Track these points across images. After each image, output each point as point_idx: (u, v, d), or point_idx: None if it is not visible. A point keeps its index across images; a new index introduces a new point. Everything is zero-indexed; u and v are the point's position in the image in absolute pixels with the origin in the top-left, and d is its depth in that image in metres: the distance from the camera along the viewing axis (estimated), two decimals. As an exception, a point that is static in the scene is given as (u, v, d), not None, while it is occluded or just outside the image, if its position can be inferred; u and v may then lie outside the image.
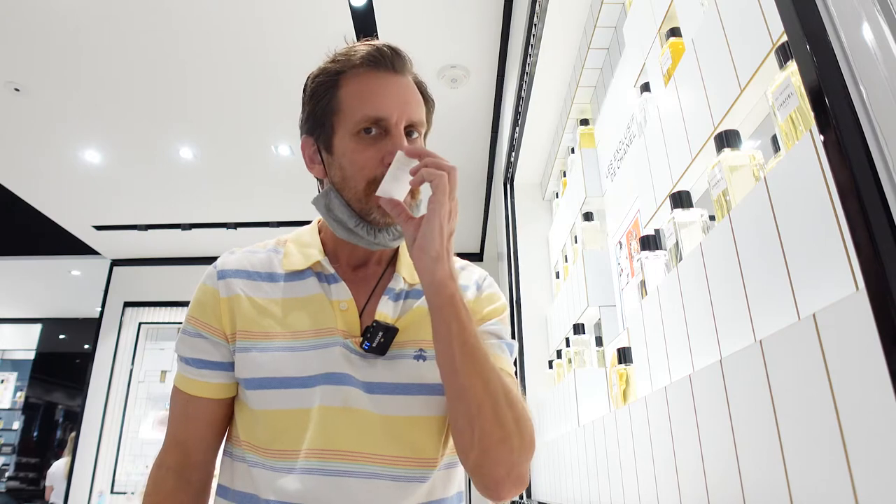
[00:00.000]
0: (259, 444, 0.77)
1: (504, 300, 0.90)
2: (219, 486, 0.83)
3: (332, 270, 0.83)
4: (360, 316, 0.81)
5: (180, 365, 0.84)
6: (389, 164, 0.75)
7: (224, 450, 0.85)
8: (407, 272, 0.86)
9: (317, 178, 0.87)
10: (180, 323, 5.35)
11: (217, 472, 0.86)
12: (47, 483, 5.37)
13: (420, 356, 0.80)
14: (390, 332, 0.78)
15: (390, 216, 0.76)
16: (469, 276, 0.90)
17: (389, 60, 0.79)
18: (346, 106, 0.78)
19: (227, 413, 0.84)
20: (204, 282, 0.85)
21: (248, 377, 0.79)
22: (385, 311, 0.81)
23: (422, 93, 0.84)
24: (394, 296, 0.83)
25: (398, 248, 0.88)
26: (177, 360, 0.85)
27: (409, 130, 0.79)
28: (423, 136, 0.84)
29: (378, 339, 0.77)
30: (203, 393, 0.82)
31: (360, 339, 0.78)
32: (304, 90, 0.84)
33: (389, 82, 0.79)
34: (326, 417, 0.75)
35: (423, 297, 0.82)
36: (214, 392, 0.82)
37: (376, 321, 0.78)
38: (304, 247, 0.86)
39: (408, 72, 0.82)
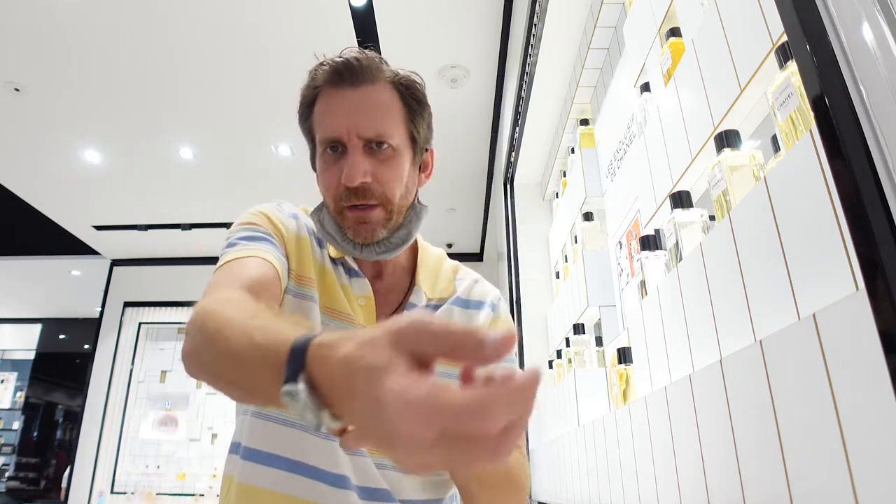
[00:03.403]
0: None
1: (512, 322, 0.92)
2: (233, 443, 0.82)
3: (355, 266, 0.84)
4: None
5: (229, 251, 0.74)
6: (343, 185, 0.75)
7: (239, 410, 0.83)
8: (427, 286, 0.86)
9: None
10: (180, 323, 5.39)
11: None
12: (63, 484, 5.38)
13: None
14: None
15: (363, 236, 0.78)
16: (482, 291, 0.90)
17: (348, 75, 0.77)
18: (316, 126, 0.80)
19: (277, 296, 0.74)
20: (271, 210, 0.83)
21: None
22: None
23: (405, 96, 0.80)
24: (417, 311, 0.83)
25: (417, 259, 0.88)
26: (224, 251, 0.74)
27: (379, 143, 0.77)
28: (406, 143, 0.80)
29: None
30: (266, 256, 0.73)
31: None
32: None
33: (344, 99, 0.77)
34: None
35: (438, 311, 0.85)
36: (276, 267, 0.73)
37: None
38: None
39: (372, 81, 0.78)
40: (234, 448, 0.81)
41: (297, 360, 0.42)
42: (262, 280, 0.69)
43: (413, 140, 0.82)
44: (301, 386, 0.40)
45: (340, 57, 0.78)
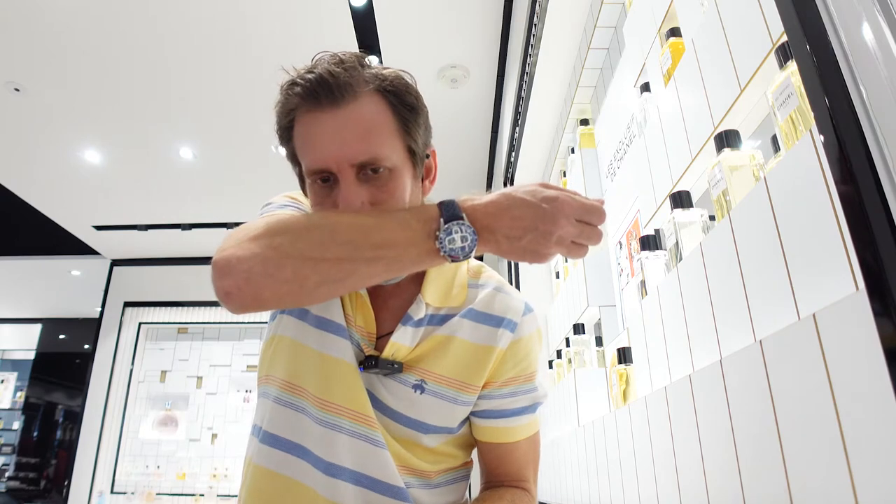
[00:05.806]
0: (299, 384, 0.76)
1: (539, 339, 0.86)
2: (254, 426, 0.81)
3: None
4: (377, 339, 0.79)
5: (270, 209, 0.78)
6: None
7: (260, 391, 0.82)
8: (433, 296, 0.78)
9: None
10: (180, 323, 5.38)
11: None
12: None
13: (419, 386, 0.76)
14: (394, 369, 0.76)
15: None
16: (504, 306, 0.80)
17: (324, 95, 0.68)
18: (299, 154, 0.72)
19: None
20: (292, 201, 0.81)
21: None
22: (402, 341, 0.76)
23: (395, 105, 0.71)
24: (414, 323, 0.77)
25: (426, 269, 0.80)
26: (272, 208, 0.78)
27: (374, 168, 0.69)
28: (405, 159, 0.72)
29: (373, 371, 0.76)
30: None
31: (363, 356, 0.76)
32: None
33: (326, 124, 0.68)
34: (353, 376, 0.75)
35: (445, 325, 0.78)
36: None
37: (382, 358, 0.75)
38: None
39: (354, 95, 0.68)
40: (255, 431, 0.80)
41: (451, 206, 0.62)
42: None
43: (411, 152, 0.73)
44: (463, 221, 0.61)
45: (312, 72, 0.69)
